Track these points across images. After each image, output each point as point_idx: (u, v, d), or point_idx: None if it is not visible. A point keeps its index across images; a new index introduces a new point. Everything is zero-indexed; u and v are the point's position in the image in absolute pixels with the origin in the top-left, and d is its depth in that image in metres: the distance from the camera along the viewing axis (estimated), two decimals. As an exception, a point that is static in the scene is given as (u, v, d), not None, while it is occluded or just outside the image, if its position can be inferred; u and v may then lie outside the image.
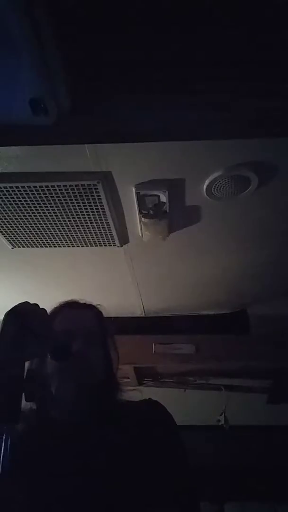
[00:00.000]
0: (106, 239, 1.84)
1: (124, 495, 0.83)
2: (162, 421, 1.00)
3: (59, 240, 1.86)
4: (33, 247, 1.92)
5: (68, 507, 0.81)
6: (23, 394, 0.79)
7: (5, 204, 1.58)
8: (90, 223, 1.71)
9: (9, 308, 0.89)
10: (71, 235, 1.82)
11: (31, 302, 0.91)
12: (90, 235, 1.81)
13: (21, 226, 1.75)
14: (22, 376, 0.81)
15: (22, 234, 1.81)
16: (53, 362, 0.96)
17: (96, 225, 1.73)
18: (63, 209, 1.62)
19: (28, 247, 1.92)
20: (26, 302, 0.90)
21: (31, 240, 1.86)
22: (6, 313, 0.87)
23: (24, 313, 0.87)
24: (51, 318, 1.08)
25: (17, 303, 0.90)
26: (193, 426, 2.93)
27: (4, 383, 0.77)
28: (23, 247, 1.93)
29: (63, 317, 1.08)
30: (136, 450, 0.89)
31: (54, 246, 1.92)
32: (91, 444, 0.90)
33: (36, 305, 0.90)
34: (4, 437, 0.71)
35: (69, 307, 1.13)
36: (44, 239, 1.86)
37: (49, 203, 1.57)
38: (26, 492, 0.79)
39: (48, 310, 0.95)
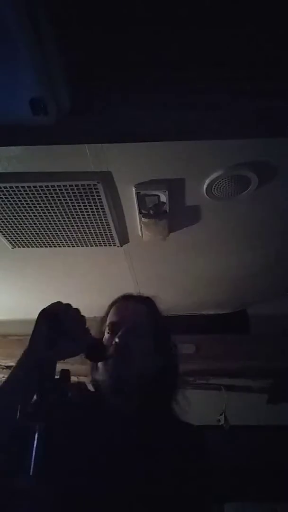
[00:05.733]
0: (106, 239, 1.84)
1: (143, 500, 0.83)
2: (197, 456, 0.97)
3: (59, 240, 1.86)
4: (33, 247, 1.92)
5: (98, 502, 0.83)
6: (56, 393, 0.79)
7: (5, 204, 1.58)
8: (90, 223, 1.71)
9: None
10: (71, 235, 1.82)
11: (61, 302, 0.91)
12: (90, 235, 1.81)
13: (21, 226, 1.75)
14: (53, 376, 0.80)
15: (22, 234, 1.81)
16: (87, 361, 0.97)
17: (96, 225, 1.73)
18: (63, 209, 1.61)
19: (28, 247, 1.92)
20: (59, 302, 0.90)
21: (31, 240, 1.86)
22: (39, 314, 0.87)
23: (56, 313, 0.87)
24: (105, 314, 1.11)
25: (50, 303, 0.90)
26: (193, 426, 2.92)
27: (35, 383, 0.77)
28: (23, 247, 1.93)
29: (114, 310, 1.10)
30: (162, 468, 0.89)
31: (54, 246, 1.92)
32: (123, 445, 0.90)
33: (68, 305, 0.91)
34: (34, 434, 0.72)
35: (120, 300, 1.15)
36: (44, 239, 1.86)
37: (49, 203, 1.57)
38: (58, 487, 0.80)
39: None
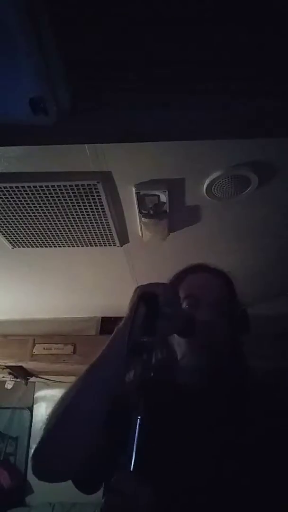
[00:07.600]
0: (106, 239, 1.84)
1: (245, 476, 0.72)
2: None
3: (59, 240, 1.86)
4: (33, 247, 1.92)
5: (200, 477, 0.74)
6: (157, 382, 0.73)
7: (5, 204, 1.58)
8: (90, 223, 1.71)
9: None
10: (71, 235, 1.82)
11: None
12: (90, 235, 1.81)
13: (21, 226, 1.75)
14: (151, 363, 0.74)
15: (22, 234, 1.81)
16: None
17: (96, 225, 1.73)
18: (63, 209, 1.62)
19: (28, 247, 1.92)
20: (157, 283, 0.85)
21: (31, 240, 1.86)
22: (136, 294, 0.82)
23: (156, 295, 0.80)
24: (177, 282, 1.02)
25: (149, 283, 0.84)
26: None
27: (136, 369, 0.71)
28: (23, 247, 1.93)
29: (190, 282, 1.01)
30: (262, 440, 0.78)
31: (54, 246, 1.92)
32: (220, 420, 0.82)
33: (165, 284, 0.86)
34: (135, 426, 0.64)
35: (198, 271, 1.06)
36: (44, 239, 1.86)
37: (49, 203, 1.57)
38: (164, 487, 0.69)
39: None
